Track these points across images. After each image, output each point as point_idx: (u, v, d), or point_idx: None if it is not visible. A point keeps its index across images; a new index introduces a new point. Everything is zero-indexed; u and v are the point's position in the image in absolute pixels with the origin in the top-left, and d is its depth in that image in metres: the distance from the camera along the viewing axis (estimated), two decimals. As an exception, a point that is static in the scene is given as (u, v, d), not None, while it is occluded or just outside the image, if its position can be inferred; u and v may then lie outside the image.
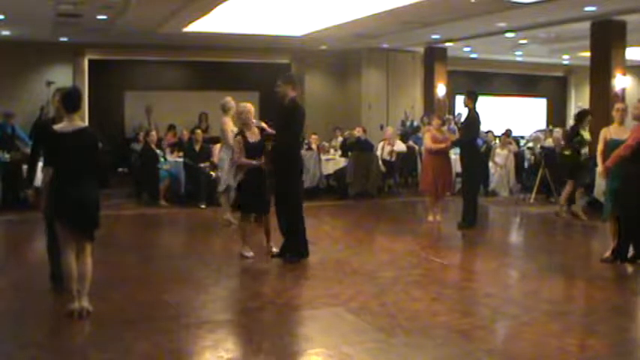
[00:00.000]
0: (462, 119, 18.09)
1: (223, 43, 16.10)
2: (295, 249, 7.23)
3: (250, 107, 7.57)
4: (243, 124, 7.53)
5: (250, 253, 7.38)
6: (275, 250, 7.42)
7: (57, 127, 5.23)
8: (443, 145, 9.84)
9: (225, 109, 9.38)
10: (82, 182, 5.15)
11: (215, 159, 11.24)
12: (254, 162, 7.23)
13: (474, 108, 9.56)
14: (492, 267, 7.46)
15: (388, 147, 13.48)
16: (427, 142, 10.14)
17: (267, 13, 12.55)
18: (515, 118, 18.56)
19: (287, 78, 7.48)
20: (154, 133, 12.39)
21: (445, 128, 10.64)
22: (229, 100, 9.45)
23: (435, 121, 10.39)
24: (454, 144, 9.96)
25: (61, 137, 5.13)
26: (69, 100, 5.27)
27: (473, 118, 9.61)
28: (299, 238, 7.25)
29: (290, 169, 7.20)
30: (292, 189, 7.22)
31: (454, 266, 7.56)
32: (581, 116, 10.29)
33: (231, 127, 9.29)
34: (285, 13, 12.61)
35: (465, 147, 9.68)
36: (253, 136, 7.39)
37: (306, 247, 7.31)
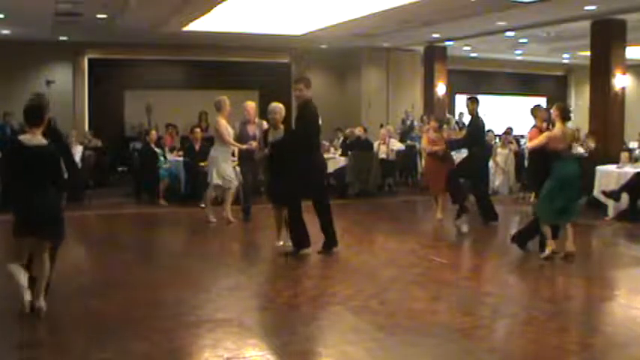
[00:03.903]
0: (465, 121, 18.17)
1: (223, 42, 16.09)
2: (295, 242, 7.44)
3: (279, 108, 7.65)
4: (270, 124, 7.73)
5: (280, 243, 7.69)
6: (280, 244, 7.67)
7: (22, 137, 5.16)
8: (437, 148, 9.80)
9: (219, 108, 9.38)
10: (37, 194, 5.08)
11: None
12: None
13: (477, 114, 9.60)
14: (492, 266, 7.46)
15: (383, 147, 13.56)
16: (423, 143, 10.22)
17: (267, 12, 12.55)
18: (515, 117, 18.57)
19: (304, 80, 7.53)
20: (153, 132, 12.40)
21: (446, 128, 10.61)
22: (224, 98, 9.44)
23: (432, 123, 10.35)
24: (453, 145, 9.91)
25: (22, 148, 5.07)
26: (29, 114, 5.15)
27: (477, 126, 9.60)
28: (298, 231, 7.38)
29: (294, 167, 7.25)
30: (292, 187, 7.27)
31: (454, 265, 7.56)
32: None
33: (225, 126, 9.29)
34: (285, 12, 12.60)
35: (472, 148, 9.71)
36: (273, 135, 7.61)
37: (307, 239, 7.43)
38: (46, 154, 5.13)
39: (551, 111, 7.45)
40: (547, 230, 7.28)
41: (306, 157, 7.30)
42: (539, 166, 7.50)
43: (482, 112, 9.70)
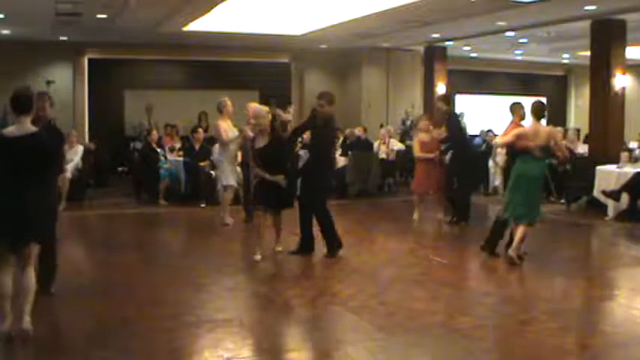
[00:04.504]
0: (464, 120, 18.10)
1: (223, 42, 16.09)
2: (301, 244, 7.55)
3: (265, 112, 7.43)
4: (258, 129, 7.39)
5: (257, 257, 7.25)
6: (279, 249, 7.59)
7: (5, 131, 4.82)
8: (431, 156, 9.77)
9: (220, 109, 9.36)
10: (27, 191, 4.67)
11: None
12: (277, 179, 7.14)
13: (453, 112, 9.71)
14: (492, 266, 7.45)
15: (383, 147, 13.58)
16: (415, 148, 10.06)
17: (267, 12, 12.55)
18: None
19: (327, 96, 7.58)
20: (155, 132, 12.40)
21: (443, 129, 10.54)
22: (225, 100, 9.42)
23: (422, 123, 10.22)
24: (445, 149, 9.85)
25: (8, 142, 4.69)
26: (15, 100, 4.76)
27: (452, 123, 9.69)
28: (305, 235, 7.52)
29: (315, 176, 7.46)
30: (313, 193, 7.44)
31: (454, 265, 7.56)
32: None
33: (224, 128, 9.27)
34: (285, 12, 12.60)
35: (456, 147, 9.70)
36: (262, 141, 7.30)
37: (311, 243, 7.54)
38: (37, 142, 4.71)
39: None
40: (521, 230, 7.15)
41: (321, 165, 7.53)
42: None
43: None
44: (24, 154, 4.68)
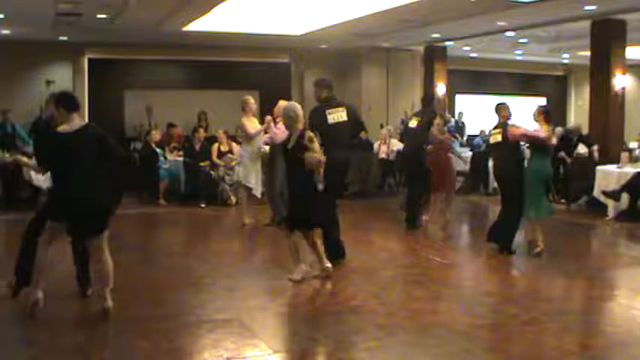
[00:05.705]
0: (464, 120, 18.06)
1: (223, 42, 16.08)
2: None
3: (299, 108, 6.59)
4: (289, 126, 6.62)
5: (298, 276, 6.40)
6: (328, 265, 6.61)
7: (59, 128, 5.20)
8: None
9: (243, 108, 9.33)
10: (87, 183, 5.12)
11: (215, 156, 11.35)
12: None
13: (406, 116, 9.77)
14: (492, 266, 7.46)
15: (384, 147, 13.60)
16: None
17: (267, 12, 12.55)
18: (515, 117, 18.48)
19: (316, 81, 7.44)
20: (154, 132, 12.40)
21: (446, 128, 10.50)
22: (247, 98, 9.38)
23: (437, 121, 10.12)
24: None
25: (62, 138, 5.11)
26: (67, 100, 5.26)
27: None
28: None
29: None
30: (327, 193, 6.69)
31: (454, 265, 7.57)
32: None
33: (251, 126, 9.23)
34: (285, 12, 12.61)
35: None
36: (292, 141, 6.52)
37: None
38: (91, 131, 5.29)
39: (534, 113, 7.75)
40: (537, 227, 7.49)
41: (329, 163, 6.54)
42: (515, 162, 7.73)
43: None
44: (76, 148, 5.10)
